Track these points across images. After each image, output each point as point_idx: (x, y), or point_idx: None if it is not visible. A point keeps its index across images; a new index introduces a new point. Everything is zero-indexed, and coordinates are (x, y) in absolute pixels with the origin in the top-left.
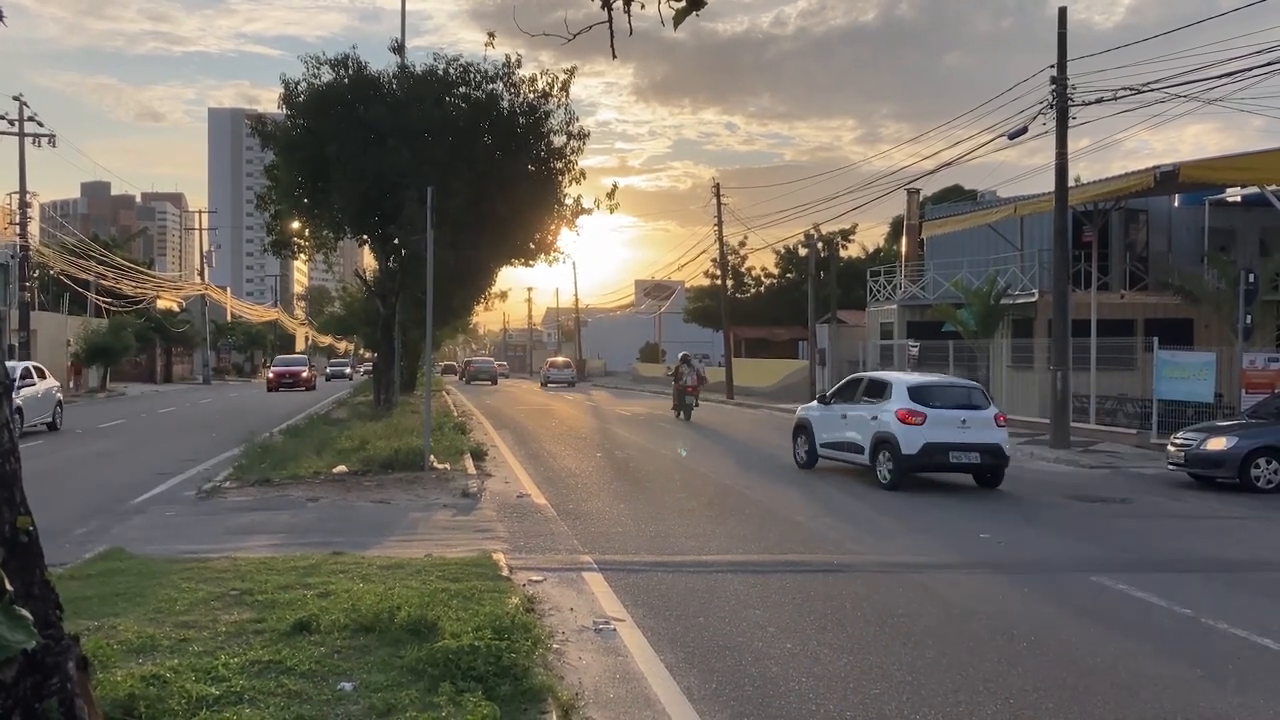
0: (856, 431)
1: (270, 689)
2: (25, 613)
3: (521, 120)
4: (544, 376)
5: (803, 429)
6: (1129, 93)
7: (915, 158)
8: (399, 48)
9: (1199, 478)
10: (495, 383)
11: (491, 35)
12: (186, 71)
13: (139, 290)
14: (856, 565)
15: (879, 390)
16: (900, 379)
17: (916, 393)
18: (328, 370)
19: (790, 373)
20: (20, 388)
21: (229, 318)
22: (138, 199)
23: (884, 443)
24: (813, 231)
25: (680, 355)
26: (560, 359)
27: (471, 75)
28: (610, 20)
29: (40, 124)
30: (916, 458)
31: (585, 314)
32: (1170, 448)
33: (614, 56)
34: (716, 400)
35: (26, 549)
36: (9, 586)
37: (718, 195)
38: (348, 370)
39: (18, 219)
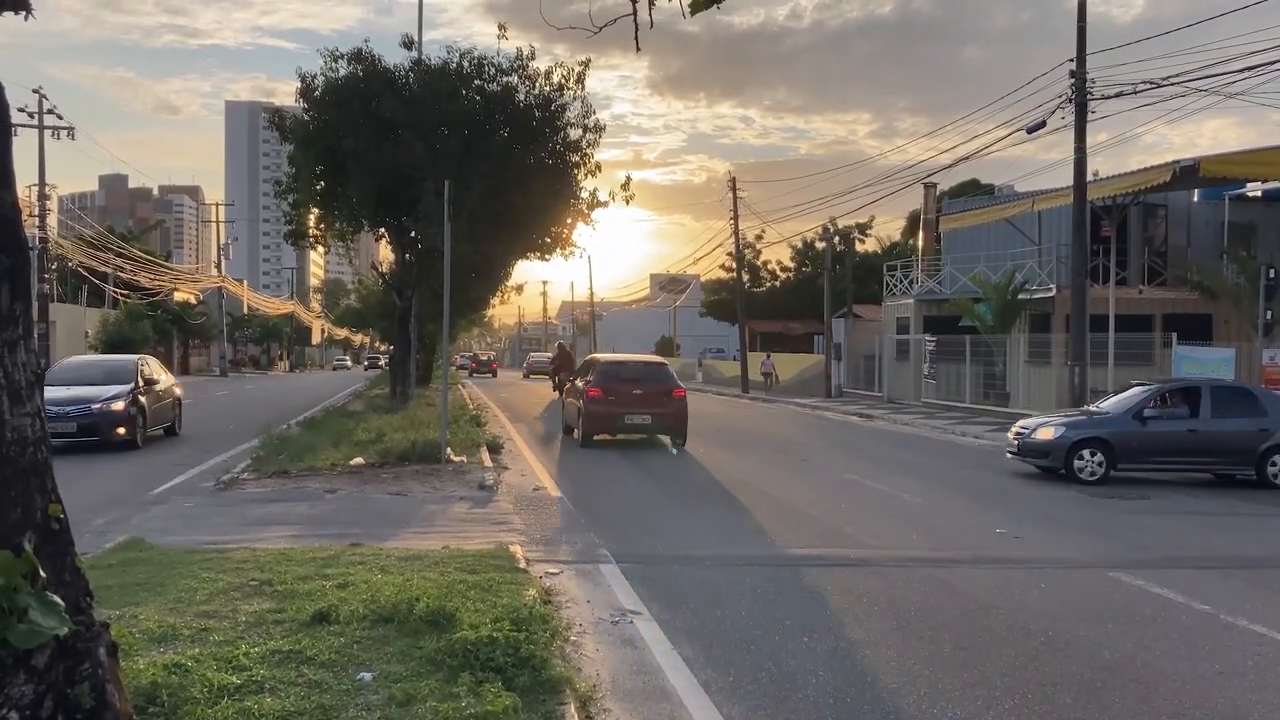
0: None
1: (291, 678)
2: (58, 599)
3: (537, 113)
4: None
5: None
6: (1148, 87)
7: (932, 152)
8: (412, 43)
9: (1040, 467)
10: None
11: (503, 27)
12: (203, 64)
13: (156, 282)
14: (873, 560)
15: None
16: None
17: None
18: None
19: (806, 367)
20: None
21: (245, 310)
22: (155, 191)
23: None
24: (829, 225)
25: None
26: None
27: (486, 68)
28: (635, 12)
29: (59, 116)
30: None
31: (600, 308)
32: (1010, 435)
33: (638, 49)
34: (732, 394)
35: (58, 536)
36: (42, 573)
37: (734, 189)
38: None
39: (37, 211)
